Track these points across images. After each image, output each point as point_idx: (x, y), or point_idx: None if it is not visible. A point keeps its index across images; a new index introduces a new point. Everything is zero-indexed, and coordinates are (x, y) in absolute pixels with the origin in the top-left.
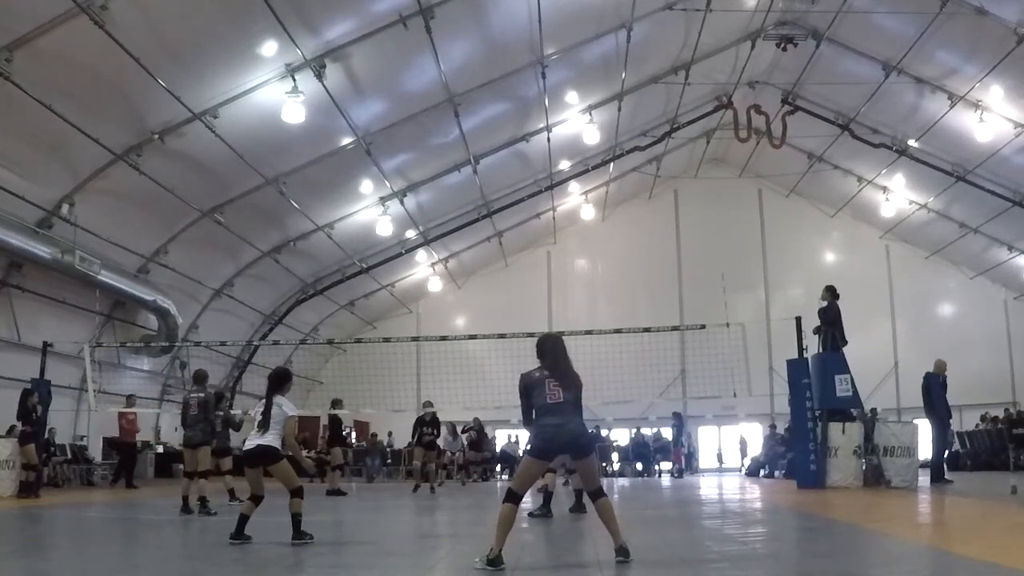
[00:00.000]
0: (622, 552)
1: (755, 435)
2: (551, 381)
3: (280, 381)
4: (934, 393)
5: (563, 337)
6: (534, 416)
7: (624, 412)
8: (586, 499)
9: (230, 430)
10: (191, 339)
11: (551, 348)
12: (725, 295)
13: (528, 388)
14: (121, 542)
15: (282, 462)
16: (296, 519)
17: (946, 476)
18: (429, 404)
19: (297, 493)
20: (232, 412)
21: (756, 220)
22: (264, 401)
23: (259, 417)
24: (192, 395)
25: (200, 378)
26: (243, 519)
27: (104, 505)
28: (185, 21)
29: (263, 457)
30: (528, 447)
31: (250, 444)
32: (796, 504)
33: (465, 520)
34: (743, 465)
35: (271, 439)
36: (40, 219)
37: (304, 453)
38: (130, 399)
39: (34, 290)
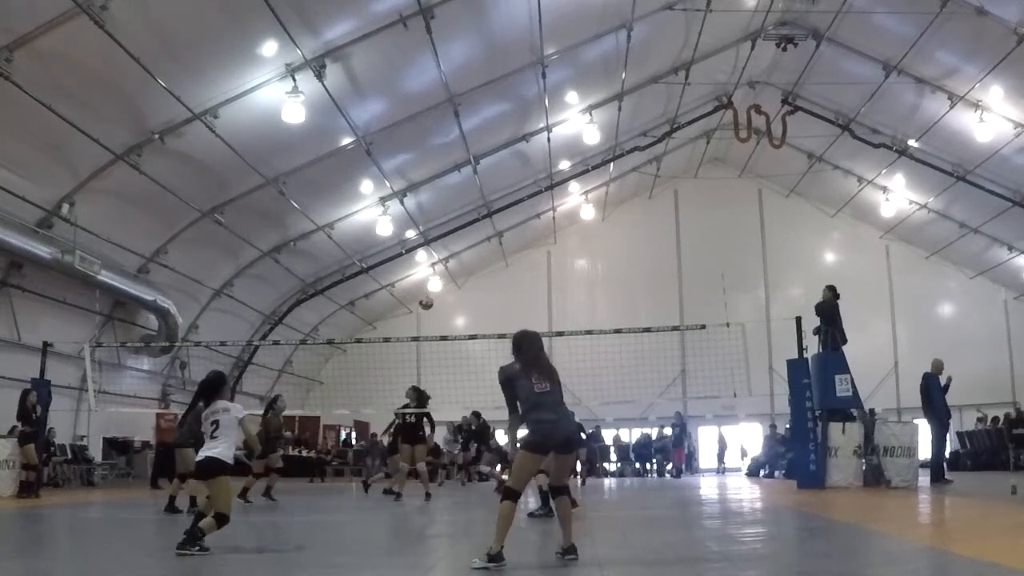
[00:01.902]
0: (571, 551)
1: (752, 435)
2: (532, 371)
3: (215, 388)
4: (933, 393)
5: (535, 331)
6: (524, 408)
7: (624, 412)
8: (579, 496)
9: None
10: (191, 339)
11: (528, 342)
12: (725, 295)
13: (510, 378)
14: (121, 542)
15: (221, 479)
16: (198, 531)
17: (946, 476)
18: (413, 390)
19: (222, 520)
20: None
21: (756, 220)
22: (202, 410)
23: (212, 425)
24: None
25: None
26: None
27: (104, 505)
28: (185, 21)
29: (211, 470)
30: (521, 442)
31: (201, 455)
32: (796, 504)
33: (465, 520)
34: (721, 467)
35: (221, 450)
36: (40, 219)
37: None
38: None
39: (34, 290)
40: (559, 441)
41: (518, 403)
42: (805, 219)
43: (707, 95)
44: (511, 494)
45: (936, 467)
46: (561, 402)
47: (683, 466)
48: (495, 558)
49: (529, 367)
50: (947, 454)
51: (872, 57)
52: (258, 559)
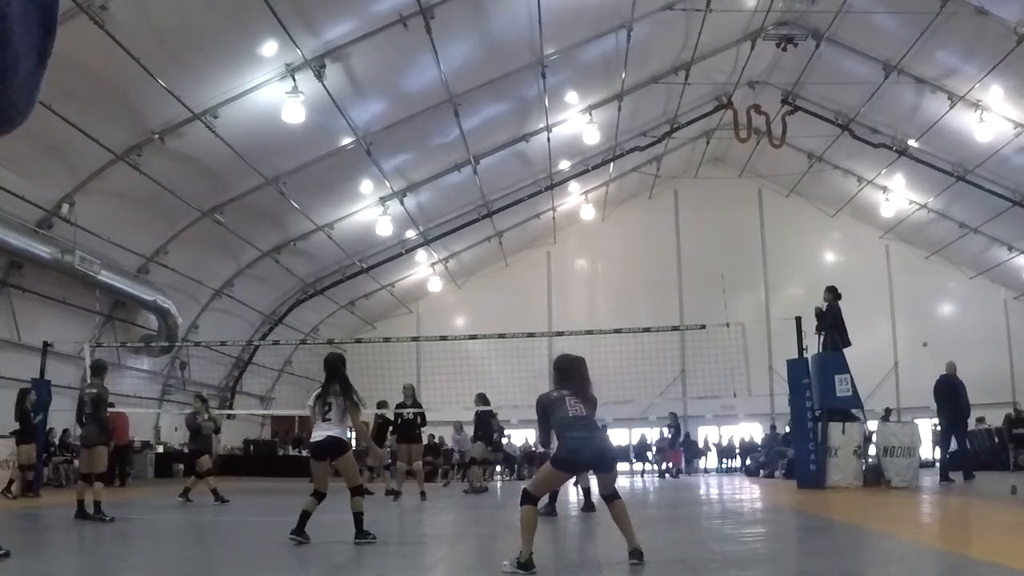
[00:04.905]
0: (636, 554)
1: (754, 435)
2: (572, 399)
3: (343, 364)
4: (960, 393)
5: (582, 357)
6: (557, 430)
7: (624, 412)
8: (595, 498)
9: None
10: (191, 339)
11: (577, 370)
12: (725, 295)
13: (547, 408)
14: (120, 542)
15: (348, 455)
16: (358, 518)
17: (950, 476)
18: (410, 388)
19: (358, 492)
20: (216, 412)
21: (756, 220)
22: (326, 388)
23: (326, 407)
24: (86, 391)
25: (98, 370)
26: (305, 515)
27: (104, 505)
28: (185, 21)
29: (332, 449)
30: (552, 457)
31: (319, 435)
32: (796, 504)
33: (464, 520)
34: (703, 467)
35: (339, 431)
36: (40, 219)
37: (305, 452)
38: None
39: (34, 290)
40: (590, 456)
41: (552, 429)
42: (805, 219)
43: (707, 95)
44: (529, 498)
45: (965, 465)
46: (595, 424)
47: (682, 466)
48: (525, 565)
49: (570, 395)
50: (944, 454)
51: (872, 57)
52: (257, 559)
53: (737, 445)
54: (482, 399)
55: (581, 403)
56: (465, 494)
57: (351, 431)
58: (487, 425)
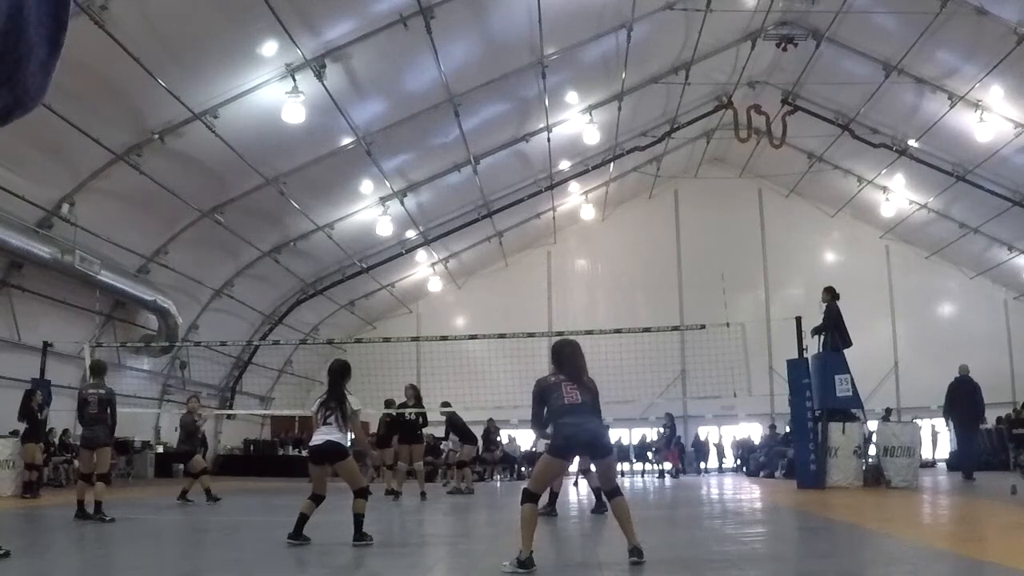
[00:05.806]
0: (636, 552)
1: (752, 435)
2: (568, 384)
3: (346, 373)
4: (977, 393)
5: (577, 341)
6: (551, 417)
7: (624, 412)
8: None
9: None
10: (191, 339)
11: (569, 355)
12: (725, 295)
13: (543, 392)
14: (120, 542)
15: (349, 460)
16: (358, 520)
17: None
18: (412, 389)
19: (361, 494)
20: (206, 412)
21: (756, 220)
22: (329, 394)
23: (327, 412)
24: (90, 391)
25: (99, 371)
26: (303, 518)
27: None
28: (185, 21)
29: (331, 454)
30: (546, 447)
31: (318, 440)
32: (796, 504)
33: (467, 520)
34: (704, 468)
35: (339, 435)
36: (40, 219)
37: (305, 453)
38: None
39: (34, 290)
40: (584, 442)
41: (546, 415)
42: (805, 219)
43: (707, 95)
44: (530, 497)
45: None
46: (592, 412)
47: (680, 466)
48: (525, 564)
49: (567, 379)
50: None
51: (872, 57)
52: (255, 559)
53: (730, 445)
54: (444, 404)
55: (577, 389)
56: (449, 494)
57: (351, 432)
58: (456, 426)
